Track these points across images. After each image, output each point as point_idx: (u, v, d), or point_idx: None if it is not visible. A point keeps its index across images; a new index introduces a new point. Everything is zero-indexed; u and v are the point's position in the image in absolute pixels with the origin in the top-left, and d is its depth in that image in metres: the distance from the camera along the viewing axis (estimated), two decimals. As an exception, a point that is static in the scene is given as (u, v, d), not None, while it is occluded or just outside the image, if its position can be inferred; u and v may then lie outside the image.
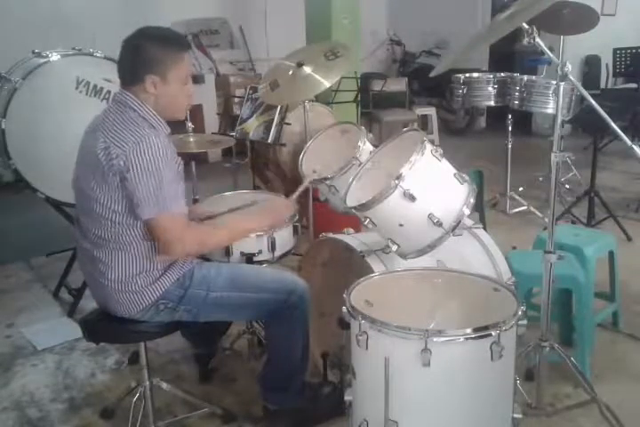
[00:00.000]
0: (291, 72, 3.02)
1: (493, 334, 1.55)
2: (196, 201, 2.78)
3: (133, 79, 1.97)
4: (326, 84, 2.95)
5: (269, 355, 2.31)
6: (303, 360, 2.25)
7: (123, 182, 1.88)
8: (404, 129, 2.20)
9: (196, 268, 2.10)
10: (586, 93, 2.04)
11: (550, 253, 2.13)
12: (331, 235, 2.41)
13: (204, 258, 2.32)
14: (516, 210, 4.68)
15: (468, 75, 4.63)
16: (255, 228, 2.29)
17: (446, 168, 2.00)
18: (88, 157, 1.95)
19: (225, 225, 2.24)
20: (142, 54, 1.94)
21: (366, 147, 2.40)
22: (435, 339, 1.53)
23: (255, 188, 4.38)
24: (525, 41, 2.00)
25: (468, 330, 1.55)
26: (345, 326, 1.71)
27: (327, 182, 2.42)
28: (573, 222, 4.23)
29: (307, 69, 2.97)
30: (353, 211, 2.02)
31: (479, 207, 3.49)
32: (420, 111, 6.97)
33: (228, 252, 2.40)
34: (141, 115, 1.95)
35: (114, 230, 1.96)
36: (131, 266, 1.99)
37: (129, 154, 1.85)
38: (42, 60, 3.20)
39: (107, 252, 1.99)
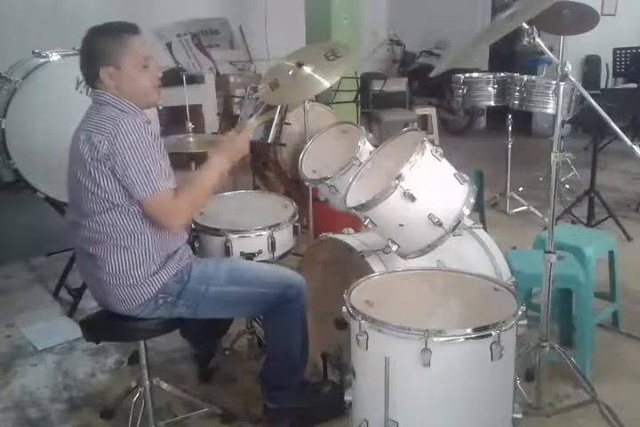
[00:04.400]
0: (291, 72, 3.02)
1: (493, 334, 1.55)
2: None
3: (92, 76, 2.01)
4: (326, 84, 2.95)
5: (268, 351, 2.31)
6: (302, 356, 2.26)
7: (111, 167, 1.90)
8: (404, 129, 2.20)
9: (194, 263, 2.12)
10: (586, 93, 2.04)
11: (550, 253, 2.13)
12: (331, 235, 2.41)
13: (204, 256, 2.33)
14: (516, 210, 4.68)
15: (467, 75, 4.62)
16: (220, 167, 2.15)
17: (446, 168, 2.00)
18: (76, 156, 1.97)
19: (198, 179, 2.13)
20: (91, 50, 2.00)
21: (366, 147, 2.40)
22: (435, 339, 1.53)
23: (255, 188, 4.38)
24: (525, 41, 2.00)
25: (468, 330, 1.55)
26: (342, 326, 1.71)
27: (327, 182, 2.42)
28: (573, 222, 4.23)
29: (307, 69, 2.96)
30: (353, 211, 2.02)
31: (479, 207, 3.48)
32: (420, 111, 6.97)
33: (227, 252, 2.40)
34: (118, 107, 1.99)
35: (110, 224, 1.98)
36: (128, 260, 2.00)
37: (111, 139, 1.89)
38: (42, 60, 3.20)
39: (103, 247, 2.00)
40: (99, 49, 1.98)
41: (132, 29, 2.03)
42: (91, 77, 2.03)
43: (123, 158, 1.89)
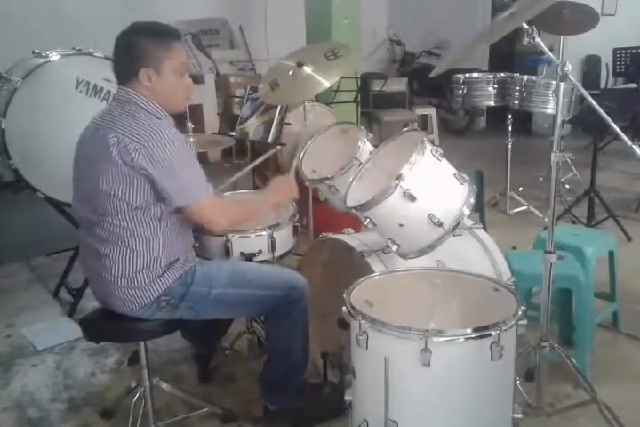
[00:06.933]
0: (291, 72, 3.02)
1: (493, 334, 1.55)
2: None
3: (128, 75, 1.99)
4: (326, 84, 2.95)
5: (269, 352, 2.31)
6: (303, 357, 2.26)
7: (146, 175, 1.90)
8: (404, 129, 2.20)
9: (197, 265, 2.12)
10: (586, 93, 2.04)
11: (550, 253, 2.12)
12: (331, 235, 2.41)
13: (204, 257, 2.33)
14: (516, 210, 4.68)
15: (467, 75, 4.63)
16: (264, 204, 2.35)
17: (446, 168, 2.00)
18: (96, 155, 1.94)
19: (250, 203, 2.41)
20: (133, 49, 1.97)
21: (366, 147, 2.40)
22: (435, 339, 1.53)
23: (255, 188, 4.38)
24: (525, 41, 1.99)
25: (468, 330, 1.55)
26: (345, 326, 1.71)
27: (327, 182, 2.42)
28: (573, 222, 4.23)
29: (307, 69, 2.96)
30: (353, 211, 2.02)
31: (479, 207, 3.49)
32: (420, 111, 6.98)
33: (227, 252, 2.40)
34: (146, 108, 1.98)
35: (125, 226, 1.97)
36: (135, 262, 2.00)
37: (148, 147, 1.88)
38: (42, 60, 3.19)
39: (112, 247, 2.00)
40: (142, 49, 1.96)
41: (177, 35, 2.04)
42: (125, 75, 2.00)
43: (159, 170, 1.89)
